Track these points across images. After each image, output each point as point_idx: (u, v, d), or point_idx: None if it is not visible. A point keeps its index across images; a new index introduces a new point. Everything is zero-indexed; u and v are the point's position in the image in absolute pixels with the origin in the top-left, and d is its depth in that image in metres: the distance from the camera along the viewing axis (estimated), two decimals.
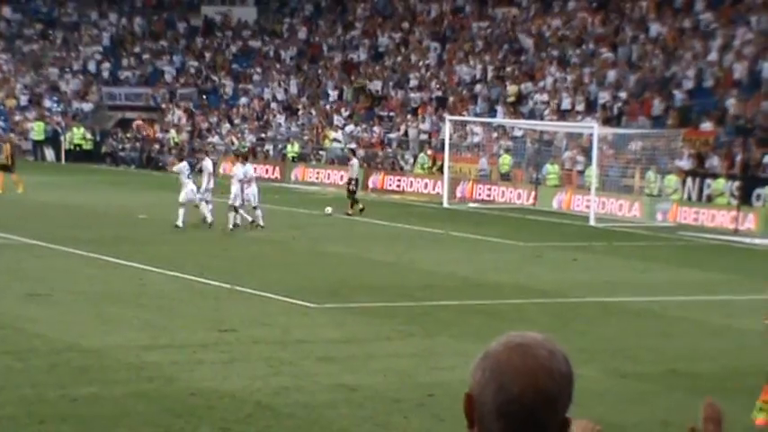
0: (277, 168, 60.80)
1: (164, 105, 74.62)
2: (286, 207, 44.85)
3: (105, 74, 79.46)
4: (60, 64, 79.76)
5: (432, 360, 18.53)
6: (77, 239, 31.47)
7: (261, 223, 35.71)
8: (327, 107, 66.79)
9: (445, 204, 48.11)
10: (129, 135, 71.86)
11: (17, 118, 74.11)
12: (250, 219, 35.89)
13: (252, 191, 36.15)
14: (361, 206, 42.06)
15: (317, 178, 58.31)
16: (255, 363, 17.84)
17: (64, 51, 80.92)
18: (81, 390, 15.82)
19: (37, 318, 20.60)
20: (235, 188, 35.59)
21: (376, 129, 62.07)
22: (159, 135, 70.31)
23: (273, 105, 69.77)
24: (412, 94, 63.00)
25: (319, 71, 71.10)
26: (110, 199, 44.92)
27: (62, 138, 71.23)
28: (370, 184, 55.22)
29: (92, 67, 79.85)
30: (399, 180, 54.75)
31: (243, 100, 72.24)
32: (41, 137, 71.35)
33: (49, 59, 79.77)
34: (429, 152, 56.24)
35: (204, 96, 75.16)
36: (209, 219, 35.74)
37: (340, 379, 16.96)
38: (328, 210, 41.56)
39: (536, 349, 3.00)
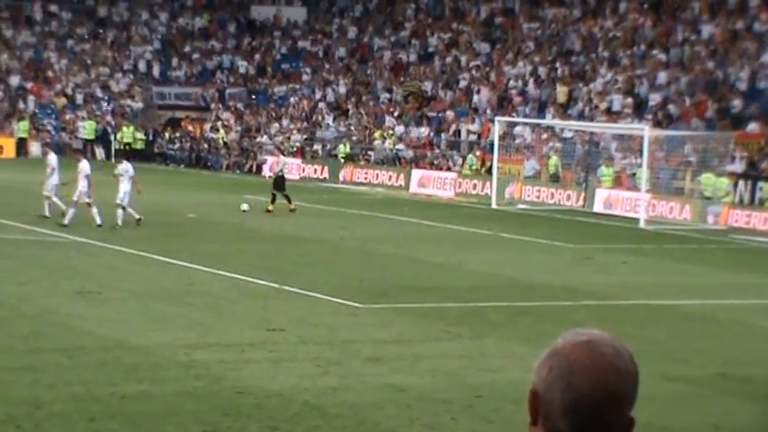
0: (326, 168, 60.84)
1: (213, 105, 74.89)
2: (334, 207, 44.89)
3: (155, 73, 79.89)
4: (111, 63, 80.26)
5: (480, 361, 18.44)
6: (127, 238, 31.62)
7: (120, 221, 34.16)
8: (376, 107, 66.78)
9: (494, 205, 47.97)
10: (178, 134, 72.20)
11: (68, 116, 74.65)
12: (137, 216, 34.48)
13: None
14: (271, 207, 40.89)
15: (365, 179, 58.30)
16: (303, 362, 17.81)
17: (115, 51, 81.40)
18: (130, 387, 15.84)
19: (87, 315, 20.66)
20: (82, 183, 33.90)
21: (424, 129, 62.00)
22: (208, 135, 70.56)
23: (322, 105, 69.83)
24: (475, 96, 62.74)
25: (369, 71, 71.11)
26: (159, 198, 45.09)
27: (112, 137, 71.63)
28: (418, 185, 55.16)
29: (142, 66, 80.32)
30: (448, 181, 54.63)
31: (292, 100, 72.37)
32: (92, 135, 71.82)
33: (100, 59, 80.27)
34: (478, 153, 56.12)
35: (253, 96, 75.38)
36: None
37: (388, 379, 16.91)
38: (245, 207, 40.08)
39: (603, 347, 2.99)
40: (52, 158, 35.49)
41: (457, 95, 63.87)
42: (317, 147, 65.27)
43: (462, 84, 64.65)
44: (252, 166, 65.02)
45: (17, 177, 52.41)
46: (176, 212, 39.43)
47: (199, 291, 23.93)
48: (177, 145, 71.05)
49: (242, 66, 78.33)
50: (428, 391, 16.38)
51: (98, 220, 33.40)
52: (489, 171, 51.54)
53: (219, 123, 71.58)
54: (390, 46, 72.61)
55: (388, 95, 67.41)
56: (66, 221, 33.34)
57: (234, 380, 16.57)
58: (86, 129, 71.88)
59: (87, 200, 33.52)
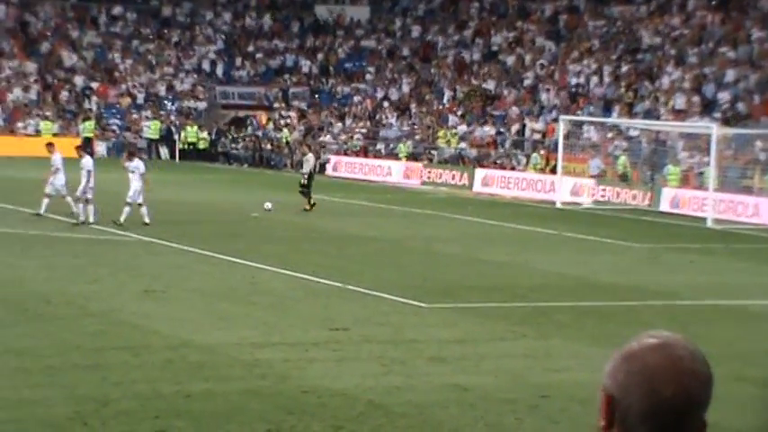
0: (389, 168, 60.83)
1: (276, 104, 75.13)
2: (397, 206, 44.85)
3: (219, 73, 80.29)
4: (175, 63, 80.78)
5: (545, 361, 18.31)
6: (192, 237, 31.76)
7: (85, 219, 33.66)
8: (440, 106, 66.68)
9: (558, 205, 47.71)
10: (242, 134, 72.53)
11: (133, 116, 75.26)
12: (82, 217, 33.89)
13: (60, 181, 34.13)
14: (312, 202, 40.74)
15: (428, 178, 58.22)
16: (367, 362, 17.77)
17: (179, 51, 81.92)
18: (195, 386, 15.87)
19: (152, 314, 20.75)
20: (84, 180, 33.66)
21: (488, 128, 61.82)
22: (271, 134, 70.81)
23: (385, 104, 69.83)
24: (540, 95, 62.46)
25: (432, 70, 71.00)
26: (223, 197, 45.32)
27: (176, 136, 72.10)
28: (482, 184, 54.99)
29: (206, 66, 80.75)
30: (512, 180, 54.42)
31: (355, 99, 72.43)
32: (156, 135, 72.34)
33: (164, 59, 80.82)
34: (542, 152, 55.86)
35: (316, 95, 75.53)
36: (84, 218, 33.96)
37: (452, 379, 16.82)
38: (268, 205, 39.67)
39: (679, 350, 2.97)
40: (57, 158, 35.49)
41: (521, 94, 63.60)
42: (380, 146, 65.27)
43: (527, 82, 64.38)
44: (315, 166, 65.11)
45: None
46: (240, 212, 39.56)
47: (263, 290, 23.97)
48: (241, 144, 71.37)
49: (305, 65, 78.51)
50: (492, 390, 16.28)
51: (92, 219, 33.43)
52: (554, 170, 51.28)
53: (283, 123, 71.82)
54: (454, 45, 72.46)
55: (451, 94, 67.26)
56: (91, 220, 33.42)
57: (298, 379, 16.55)
58: (151, 128, 72.41)
59: (87, 196, 33.63)
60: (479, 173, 55.92)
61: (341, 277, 25.42)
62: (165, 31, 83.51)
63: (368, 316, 21.44)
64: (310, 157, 43.02)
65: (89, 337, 18.59)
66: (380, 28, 79.10)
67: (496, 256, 30.96)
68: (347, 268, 27.32)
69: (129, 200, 33.62)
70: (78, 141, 70.27)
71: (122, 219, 33.30)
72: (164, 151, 72.23)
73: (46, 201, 34.48)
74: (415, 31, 76.19)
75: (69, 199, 34.35)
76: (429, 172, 58.78)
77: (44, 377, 15.99)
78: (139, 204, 33.72)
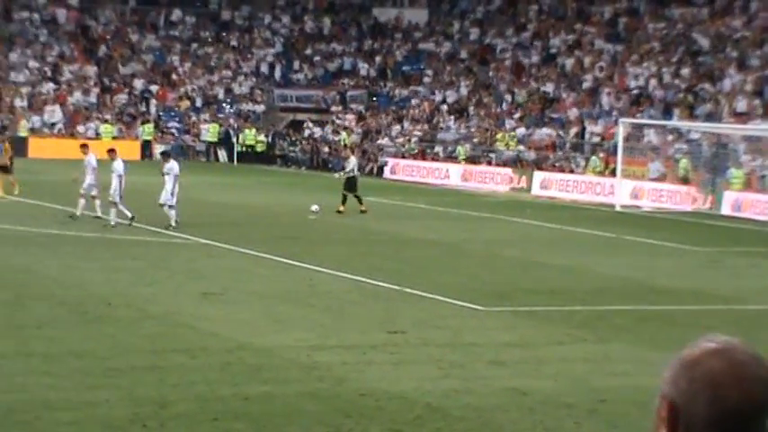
0: (447, 170, 60.76)
1: (334, 107, 75.26)
2: (455, 209, 44.76)
3: (277, 76, 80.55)
4: (234, 66, 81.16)
5: (605, 365, 18.15)
6: (249, 239, 31.84)
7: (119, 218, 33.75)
8: (498, 109, 66.48)
9: (617, 208, 47.40)
10: (299, 136, 72.74)
11: (191, 119, 75.69)
12: (130, 214, 33.81)
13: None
14: (342, 208, 40.49)
15: (486, 180, 58.07)
16: (425, 365, 17.69)
17: (237, 54, 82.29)
18: (253, 388, 15.86)
19: (211, 317, 20.77)
20: (114, 182, 33.73)
21: (547, 131, 61.57)
22: (329, 137, 70.94)
23: (443, 107, 69.75)
24: (599, 98, 62.07)
25: (490, 73, 70.82)
26: (280, 200, 45.44)
27: (234, 139, 72.41)
28: (541, 187, 54.78)
29: (264, 69, 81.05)
30: (571, 183, 54.15)
31: (413, 102, 72.39)
32: (215, 138, 72.73)
33: (222, 62, 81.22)
34: (601, 155, 55.54)
35: (374, 98, 75.58)
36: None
37: (511, 383, 16.71)
38: (314, 208, 39.47)
39: (742, 356, 2.90)
40: (91, 159, 35.62)
41: (580, 97, 63.27)
42: (438, 149, 65.19)
43: (586, 85, 64.04)
44: (373, 169, 65.20)
45: (142, 180, 53.17)
46: (298, 214, 39.62)
47: (321, 292, 23.95)
48: (298, 147, 71.56)
49: (363, 68, 78.59)
50: (551, 394, 16.16)
51: (113, 222, 33.44)
52: (613, 173, 50.97)
53: (341, 126, 71.95)
54: (512, 47, 72.22)
55: (509, 97, 67.05)
56: (112, 223, 33.44)
57: (356, 382, 16.50)
58: (209, 131, 72.80)
59: (94, 193, 33.61)
60: (538, 176, 55.69)
61: (399, 280, 25.36)
62: (224, 34, 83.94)
63: (426, 319, 21.36)
64: (352, 159, 42.86)
65: (148, 340, 18.65)
66: (439, 30, 79.01)
67: (555, 259, 30.78)
68: (405, 271, 27.26)
69: (161, 202, 33.62)
70: (137, 144, 70.99)
71: (173, 222, 33.47)
72: (222, 154, 72.59)
73: (97, 203, 34.86)
74: (474, 33, 76.03)
75: (83, 201, 34.74)
76: (486, 174, 58.61)
77: (104, 379, 16.05)
78: (170, 206, 33.63)
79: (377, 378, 16.76)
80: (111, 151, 35.79)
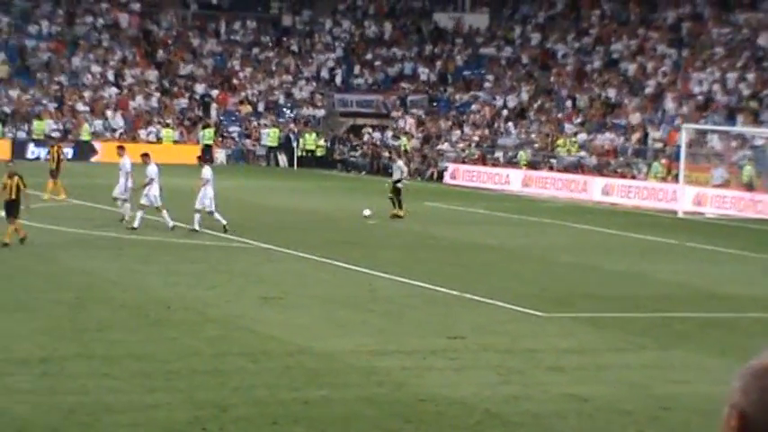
0: (507, 176, 60.59)
1: (394, 112, 75.27)
2: (516, 215, 44.61)
3: (337, 81, 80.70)
4: (294, 71, 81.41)
5: (666, 373, 18.00)
6: (309, 244, 31.89)
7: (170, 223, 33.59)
8: (559, 114, 66.20)
9: (680, 214, 47.05)
10: (360, 141, 72.82)
11: (252, 124, 76.02)
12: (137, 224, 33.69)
13: (154, 191, 33.98)
14: (401, 212, 40.28)
15: (547, 186, 57.85)
16: (485, 370, 17.63)
17: (298, 59, 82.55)
18: (313, 392, 15.86)
19: (271, 321, 20.82)
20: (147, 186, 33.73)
21: (609, 136, 61.21)
22: (389, 142, 70.95)
23: (504, 112, 69.55)
24: (662, 103, 61.62)
25: (551, 78, 70.54)
26: (340, 205, 45.50)
27: (295, 144, 72.61)
28: (602, 193, 54.47)
29: (324, 73, 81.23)
30: (633, 189, 53.80)
31: (473, 107, 72.25)
32: (275, 143, 72.98)
33: (283, 66, 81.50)
34: (664, 161, 55.15)
35: (434, 103, 75.51)
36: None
37: (570, 389, 16.61)
38: (367, 212, 39.72)
39: None
40: (126, 162, 35.71)
41: (643, 102, 62.86)
42: (498, 154, 65.01)
43: (648, 90, 63.62)
44: (433, 174, 65.14)
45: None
46: (358, 219, 39.66)
47: (380, 297, 23.95)
48: (359, 152, 71.63)
49: (423, 73, 78.55)
50: (612, 401, 16.05)
51: (136, 224, 33.38)
52: (676, 179, 50.59)
53: (401, 131, 71.94)
54: (574, 52, 71.89)
55: (570, 102, 66.74)
56: (135, 225, 33.36)
57: (415, 387, 16.47)
58: (269, 136, 73.07)
59: (125, 196, 33.63)
60: (599, 181, 55.39)
61: (458, 285, 25.30)
62: (285, 39, 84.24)
63: (485, 324, 21.31)
64: (400, 164, 42.62)
65: (208, 343, 18.71)
66: (500, 35, 78.80)
67: (616, 265, 30.60)
68: (465, 276, 27.19)
69: (198, 206, 33.54)
70: (198, 149, 71.34)
71: (224, 222, 33.35)
72: (282, 159, 72.82)
73: (140, 213, 33.93)
74: (535, 38, 75.77)
75: (127, 204, 34.69)
76: (547, 180, 58.39)
77: (164, 382, 16.14)
78: (209, 212, 33.60)
79: (436, 383, 16.72)
80: (145, 155, 35.76)
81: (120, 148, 37.26)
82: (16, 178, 28.59)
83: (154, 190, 33.96)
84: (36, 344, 18.04)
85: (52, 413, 14.40)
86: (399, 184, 40.84)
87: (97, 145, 69.28)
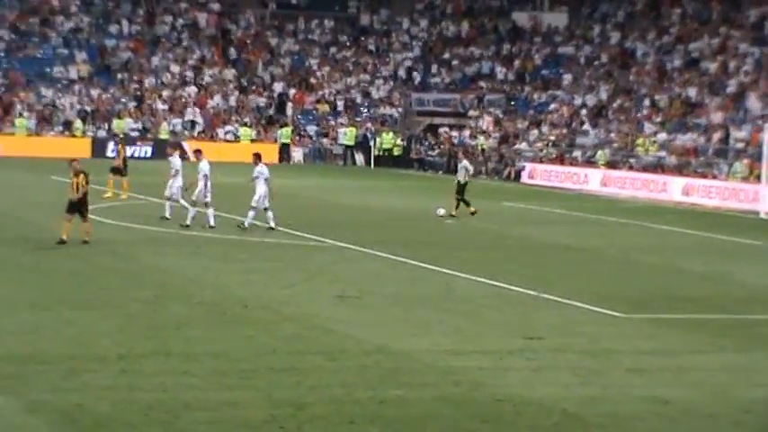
0: (585, 175, 60.16)
1: (472, 111, 75.02)
2: (594, 215, 44.27)
3: (415, 80, 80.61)
4: (371, 70, 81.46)
5: (748, 376, 17.74)
6: (386, 243, 31.84)
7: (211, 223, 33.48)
8: (638, 114, 65.59)
9: (762, 215, 46.43)
10: (437, 141, 72.69)
11: (329, 123, 76.16)
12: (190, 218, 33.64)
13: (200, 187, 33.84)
14: (456, 212, 40.01)
15: (626, 186, 57.34)
16: (563, 371, 17.50)
17: (375, 57, 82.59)
18: (390, 391, 15.84)
19: (347, 319, 20.82)
20: (200, 183, 33.55)
21: (690, 136, 60.55)
22: (466, 141, 70.74)
23: (582, 112, 69.05)
24: (748, 103, 60.85)
25: (631, 77, 69.91)
26: (417, 204, 45.42)
27: (372, 143, 72.63)
28: (682, 193, 53.90)
29: (402, 72, 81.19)
30: (714, 189, 53.15)
31: (551, 106, 71.81)
32: (352, 142, 73.05)
33: (360, 66, 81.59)
34: (746, 161, 54.42)
35: (512, 102, 75.16)
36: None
37: (651, 391, 16.42)
38: (441, 211, 39.69)
39: None
40: (176, 161, 35.72)
41: (724, 102, 62.09)
42: (577, 153, 64.56)
43: (730, 90, 62.83)
44: (510, 173, 64.85)
45: (280, 183, 53.63)
46: (434, 218, 39.56)
47: (457, 297, 23.87)
48: (436, 151, 71.49)
49: (501, 72, 78.21)
50: (693, 404, 15.84)
51: (211, 222, 33.35)
52: (758, 179, 49.91)
53: (478, 130, 71.70)
54: (654, 51, 71.17)
55: (650, 102, 66.09)
56: (187, 222, 33.30)
57: (492, 387, 16.38)
58: (347, 135, 73.16)
59: (205, 200, 33.66)
60: (679, 181, 54.81)
61: (536, 285, 25.14)
62: (362, 38, 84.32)
63: (563, 325, 21.15)
64: (466, 163, 42.25)
65: (285, 341, 18.75)
66: (578, 34, 78.24)
67: (696, 266, 30.24)
68: (542, 276, 27.01)
69: (253, 204, 33.48)
70: (276, 147, 71.73)
71: (246, 223, 33.27)
72: (359, 158, 72.88)
73: (167, 204, 34.90)
74: (614, 37, 75.13)
75: (183, 202, 34.62)
76: (626, 180, 57.88)
77: (241, 380, 16.18)
78: (265, 209, 33.51)
79: (514, 383, 16.63)
80: (198, 152, 35.90)
81: (198, 151, 37.37)
82: (81, 176, 28.64)
83: (177, 182, 34.62)
84: (115, 341, 18.21)
85: (131, 410, 14.51)
86: (463, 183, 40.58)
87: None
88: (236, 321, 20.27)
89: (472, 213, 39.90)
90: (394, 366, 17.30)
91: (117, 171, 42.78)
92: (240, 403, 15.00)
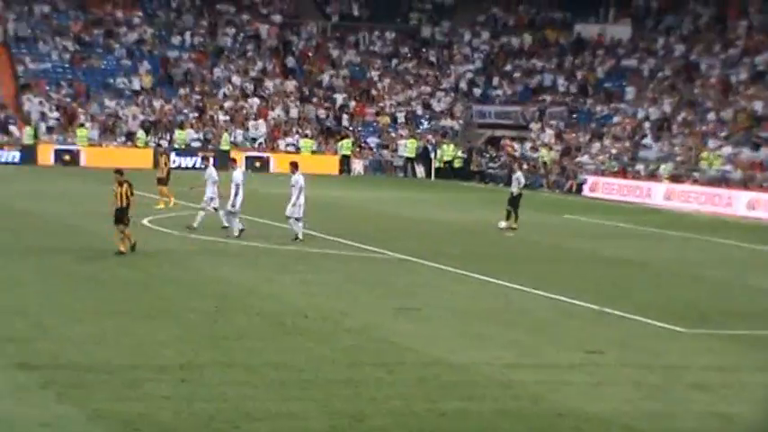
0: (648, 189, 59.79)
1: (533, 124, 74.80)
2: (657, 229, 43.98)
3: (476, 92, 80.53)
4: (433, 82, 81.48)
5: None
6: (446, 255, 31.81)
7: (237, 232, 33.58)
8: (703, 127, 65.08)
9: None
10: (497, 153, 72.55)
11: (389, 135, 76.25)
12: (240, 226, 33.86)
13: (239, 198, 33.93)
14: (516, 224, 39.67)
15: (690, 200, 56.90)
16: (624, 386, 17.40)
17: (436, 70, 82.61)
18: (449, 404, 15.82)
19: (407, 332, 20.81)
20: (232, 192, 33.53)
21: (755, 150, 59.98)
22: (527, 153, 70.53)
23: (646, 125, 68.63)
24: None
25: (695, 90, 69.40)
26: (477, 216, 45.35)
27: (432, 155, 72.62)
28: (747, 208, 53.42)
29: (463, 84, 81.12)
30: None
31: (614, 119, 71.43)
32: (413, 154, 73.08)
33: (422, 78, 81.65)
34: None
35: (574, 115, 74.85)
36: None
37: (713, 407, 16.28)
38: (502, 224, 39.63)
39: None
40: (212, 171, 35.88)
41: None
42: (640, 167, 64.16)
43: None
44: (571, 186, 64.57)
45: (341, 194, 53.82)
46: (494, 231, 39.46)
47: (517, 310, 23.81)
48: (497, 164, 71.34)
49: (563, 84, 77.92)
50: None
51: (236, 233, 33.41)
52: None
53: (540, 143, 71.46)
54: (719, 64, 70.59)
55: (715, 115, 65.54)
56: (235, 234, 33.37)
57: (552, 401, 16.33)
58: (407, 147, 73.19)
59: (215, 205, 33.64)
60: (744, 196, 54.30)
61: (596, 299, 25.01)
62: (424, 50, 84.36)
63: (624, 339, 21.02)
64: (519, 175, 41.98)
65: (344, 353, 18.79)
66: (642, 47, 77.78)
67: (761, 281, 29.96)
68: (603, 290, 26.88)
69: (287, 213, 33.35)
70: (336, 159, 71.99)
71: (300, 234, 33.19)
72: (420, 170, 72.86)
73: (221, 213, 35.10)
74: (678, 50, 74.62)
75: (218, 212, 34.99)
76: (690, 194, 57.44)
77: (300, 390, 16.23)
78: (296, 219, 33.43)
79: (574, 398, 16.55)
80: (232, 161, 36.18)
81: (205, 158, 37.46)
82: (125, 186, 28.97)
83: (209, 192, 34.96)
84: (176, 351, 18.34)
85: (192, 420, 14.62)
86: (516, 194, 40.40)
87: (235, 155, 70.16)
88: (296, 332, 20.34)
89: (511, 228, 39.55)
90: (453, 379, 17.28)
91: (162, 181, 43.01)
92: (299, 414, 15.05)
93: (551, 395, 16.65)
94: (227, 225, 34.43)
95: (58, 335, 19.24)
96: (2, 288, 23.58)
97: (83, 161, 67.64)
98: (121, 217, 28.87)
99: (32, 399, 15.33)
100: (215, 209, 35.36)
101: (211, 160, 39.96)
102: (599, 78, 77.04)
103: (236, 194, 33.41)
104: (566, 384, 17.37)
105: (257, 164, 69.86)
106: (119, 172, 29.58)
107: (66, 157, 67.72)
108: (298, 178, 33.22)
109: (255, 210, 38.19)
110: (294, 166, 33.90)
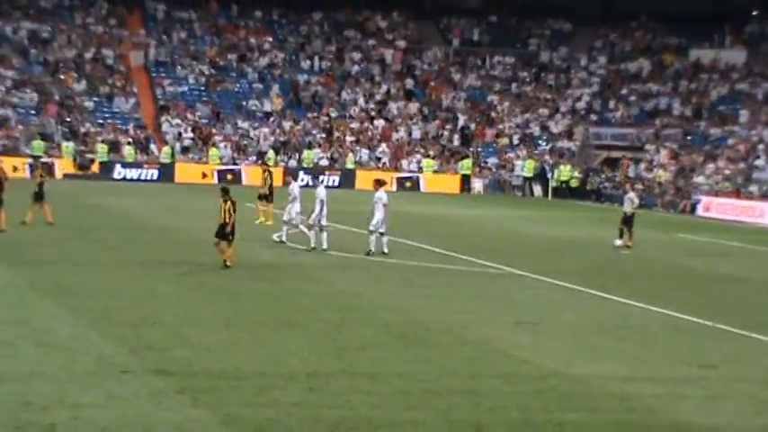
0: (762, 209, 59.41)
1: (648, 145, 74.71)
2: (765, 247, 43.81)
3: (593, 115, 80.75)
4: (551, 105, 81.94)
5: None
6: (562, 271, 32.13)
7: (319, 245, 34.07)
8: None
9: None
10: (612, 173, 72.57)
11: (507, 155, 76.87)
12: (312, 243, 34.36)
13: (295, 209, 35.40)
14: (631, 242, 39.90)
15: None
16: (738, 400, 17.60)
17: (554, 93, 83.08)
18: (566, 415, 16.14)
19: (524, 345, 21.14)
20: (317, 208, 34.08)
21: None
22: (642, 174, 70.46)
23: (760, 147, 68.21)
24: None
25: None
26: (593, 234, 45.51)
27: (549, 175, 73.03)
28: None
29: (580, 107, 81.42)
30: None
31: (728, 141, 71.10)
32: (530, 173, 73.54)
33: (540, 101, 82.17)
34: None
35: (688, 137, 74.64)
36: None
37: None
38: (617, 242, 40.01)
39: None
40: (294, 187, 36.45)
41: None
42: (753, 188, 63.81)
43: None
44: (686, 206, 64.40)
45: (461, 212, 54.36)
46: (609, 249, 39.70)
47: (632, 325, 24.04)
48: (612, 183, 71.38)
49: (677, 108, 77.79)
50: None
51: (325, 245, 33.94)
52: None
53: (655, 163, 71.37)
54: None
55: None
56: (325, 246, 33.94)
57: (667, 414, 16.58)
58: (525, 167, 73.68)
59: (320, 224, 34.23)
60: None
61: (711, 316, 25.21)
62: (542, 74, 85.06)
63: (738, 355, 21.22)
64: (632, 195, 42.13)
65: (464, 364, 19.16)
66: (756, 71, 77.34)
67: None
68: (717, 307, 27.04)
69: (371, 228, 34.00)
70: (457, 178, 72.94)
71: (372, 247, 33.79)
72: (537, 189, 73.29)
73: (285, 228, 35.94)
74: None
75: (302, 227, 35.72)
76: None
77: (421, 400, 16.63)
78: (381, 233, 33.93)
79: (689, 411, 16.78)
80: (315, 178, 36.71)
81: (290, 174, 37.99)
82: (229, 203, 29.73)
83: (296, 208, 35.75)
84: (303, 360, 18.80)
85: (318, 426, 15.04)
86: (629, 214, 40.69)
87: (360, 174, 71.30)
88: (419, 344, 20.72)
89: (627, 246, 39.76)
90: (570, 391, 17.56)
91: (264, 198, 43.34)
92: (420, 422, 15.39)
93: (666, 408, 16.88)
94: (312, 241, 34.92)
95: (194, 343, 19.76)
96: (141, 299, 24.23)
97: (244, 179, 68.40)
98: (223, 233, 29.69)
99: (169, 403, 15.82)
100: (301, 222, 36.02)
101: (297, 180, 40.41)
102: (713, 102, 76.70)
103: (320, 210, 34.14)
104: (680, 397, 17.58)
105: (407, 184, 71.43)
106: (224, 190, 30.51)
107: (229, 176, 68.47)
108: (381, 195, 34.05)
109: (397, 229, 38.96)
110: (378, 183, 34.79)
